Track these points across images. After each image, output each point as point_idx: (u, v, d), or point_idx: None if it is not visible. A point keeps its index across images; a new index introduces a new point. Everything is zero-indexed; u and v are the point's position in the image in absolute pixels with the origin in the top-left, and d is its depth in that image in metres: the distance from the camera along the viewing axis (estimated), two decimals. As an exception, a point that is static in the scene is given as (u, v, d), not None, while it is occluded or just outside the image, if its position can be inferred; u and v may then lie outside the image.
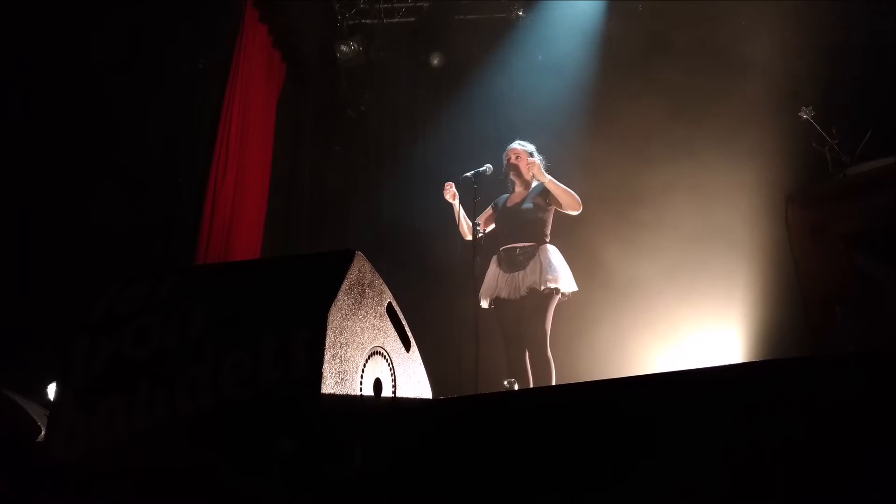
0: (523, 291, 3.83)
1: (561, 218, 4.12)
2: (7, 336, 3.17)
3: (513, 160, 4.18)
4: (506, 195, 4.23)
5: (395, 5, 6.12)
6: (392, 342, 1.90)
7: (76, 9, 3.71)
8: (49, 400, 2.68)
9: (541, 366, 3.80)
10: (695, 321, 4.97)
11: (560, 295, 3.85)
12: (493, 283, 3.98)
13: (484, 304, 3.98)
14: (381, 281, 1.89)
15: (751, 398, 1.29)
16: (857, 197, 3.05)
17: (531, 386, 3.72)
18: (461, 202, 4.16)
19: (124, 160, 4.02)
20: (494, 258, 4.08)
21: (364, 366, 1.71)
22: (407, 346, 1.99)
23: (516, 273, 3.91)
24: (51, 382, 2.79)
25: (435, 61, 6.06)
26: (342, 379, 1.58)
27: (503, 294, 3.90)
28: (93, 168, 3.86)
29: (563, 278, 3.85)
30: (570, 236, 4.26)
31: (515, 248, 3.98)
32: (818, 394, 1.27)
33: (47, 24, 3.67)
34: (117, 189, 3.94)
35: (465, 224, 4.18)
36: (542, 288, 3.78)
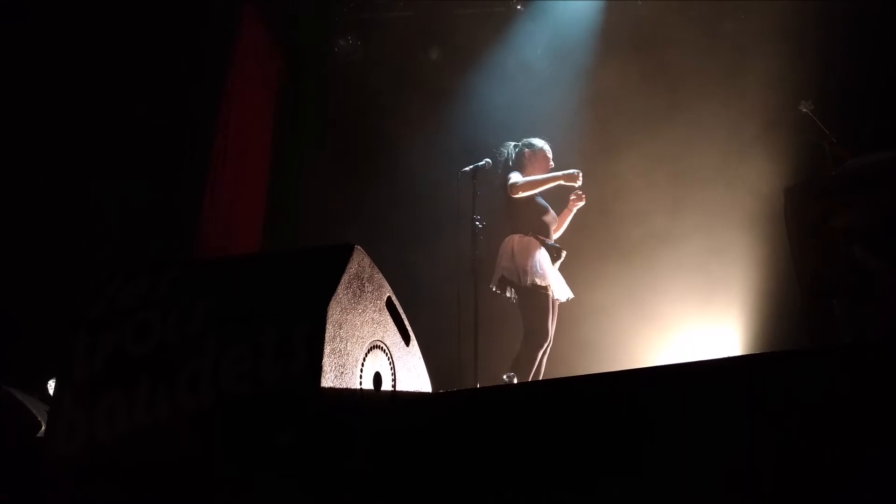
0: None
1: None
2: (7, 331, 3.18)
3: None
4: None
5: (393, -1, 6.10)
6: (391, 336, 1.91)
7: (77, 5, 3.70)
8: (49, 395, 2.69)
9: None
10: (692, 315, 4.98)
11: None
12: (559, 279, 3.92)
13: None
14: (381, 275, 1.89)
15: (748, 391, 1.30)
16: (855, 191, 3.06)
17: None
18: (459, 197, 4.13)
19: (123, 156, 4.02)
20: (545, 251, 3.89)
21: (364, 360, 1.72)
22: (406, 340, 1.99)
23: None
24: (51, 378, 2.80)
25: (433, 55, 6.04)
26: (342, 373, 1.59)
27: (568, 295, 3.93)
28: (92, 163, 3.85)
29: None
30: (571, 234, 4.26)
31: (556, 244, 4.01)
32: (815, 386, 1.27)
33: (45, 22, 3.67)
34: (116, 184, 3.94)
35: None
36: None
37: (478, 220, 3.95)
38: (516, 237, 3.92)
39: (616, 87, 5.47)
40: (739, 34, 5.25)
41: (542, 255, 3.85)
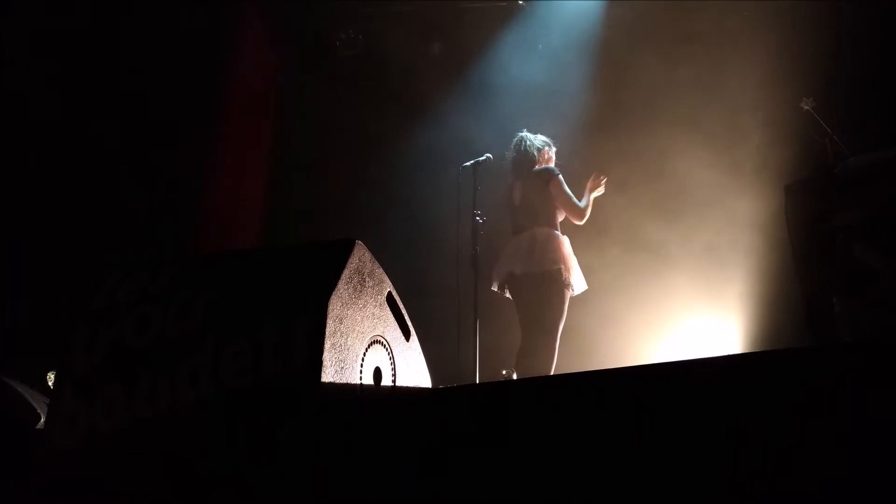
0: None
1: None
2: (8, 323, 3.18)
3: None
4: None
5: (394, -8, 6.07)
6: (392, 331, 1.91)
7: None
8: (49, 387, 2.69)
9: None
10: (692, 314, 4.97)
11: None
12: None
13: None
14: (381, 270, 1.89)
15: (748, 390, 1.30)
16: (856, 188, 3.05)
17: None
18: (460, 192, 4.12)
19: (124, 150, 4.02)
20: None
21: (364, 355, 1.71)
22: (407, 336, 1.99)
23: None
24: (51, 370, 2.80)
25: (435, 50, 6.03)
26: (342, 367, 1.59)
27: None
28: (90, 161, 3.85)
29: None
30: (572, 232, 4.25)
31: None
32: (814, 386, 1.28)
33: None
34: (116, 178, 3.94)
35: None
36: None
37: (479, 215, 3.95)
38: (555, 233, 3.93)
39: (616, 82, 5.47)
40: (742, 30, 5.23)
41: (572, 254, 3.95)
